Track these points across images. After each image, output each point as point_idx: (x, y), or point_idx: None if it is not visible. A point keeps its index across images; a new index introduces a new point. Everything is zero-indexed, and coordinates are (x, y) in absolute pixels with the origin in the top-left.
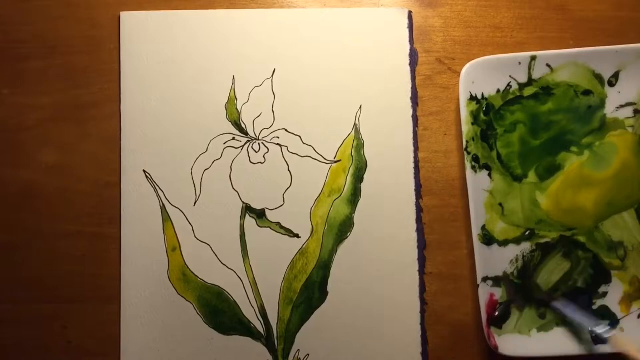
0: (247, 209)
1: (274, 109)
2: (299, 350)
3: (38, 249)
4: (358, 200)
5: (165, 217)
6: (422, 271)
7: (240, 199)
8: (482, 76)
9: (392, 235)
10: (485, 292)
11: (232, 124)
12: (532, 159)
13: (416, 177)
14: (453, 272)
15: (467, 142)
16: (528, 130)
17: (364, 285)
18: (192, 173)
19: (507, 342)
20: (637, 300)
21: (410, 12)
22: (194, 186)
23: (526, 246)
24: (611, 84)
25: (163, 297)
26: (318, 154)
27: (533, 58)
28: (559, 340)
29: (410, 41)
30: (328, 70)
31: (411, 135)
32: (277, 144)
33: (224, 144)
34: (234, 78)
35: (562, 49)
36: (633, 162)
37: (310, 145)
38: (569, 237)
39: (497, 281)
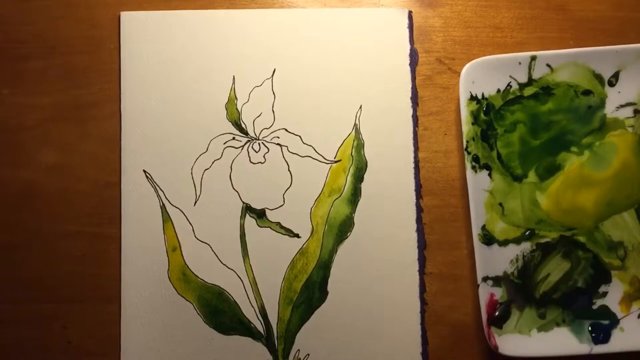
0: (247, 209)
1: (274, 109)
2: (299, 350)
3: (38, 249)
4: (358, 200)
5: (166, 217)
6: (422, 271)
7: (240, 198)
8: (482, 76)
9: (392, 235)
10: (485, 292)
11: (232, 124)
12: (532, 158)
13: (416, 177)
14: (453, 272)
15: (467, 142)
16: (528, 130)
17: (364, 285)
18: (192, 173)
19: (507, 342)
20: (637, 300)
21: (410, 12)
22: (194, 186)
23: (526, 246)
24: (611, 84)
25: (163, 297)
26: (318, 153)
27: (533, 58)
28: (559, 340)
29: (410, 41)
30: (328, 70)
31: (411, 135)
32: (277, 144)
33: (224, 143)
34: (234, 78)
35: (562, 49)
36: (633, 162)
37: (310, 145)
38: (569, 237)
39: (497, 281)
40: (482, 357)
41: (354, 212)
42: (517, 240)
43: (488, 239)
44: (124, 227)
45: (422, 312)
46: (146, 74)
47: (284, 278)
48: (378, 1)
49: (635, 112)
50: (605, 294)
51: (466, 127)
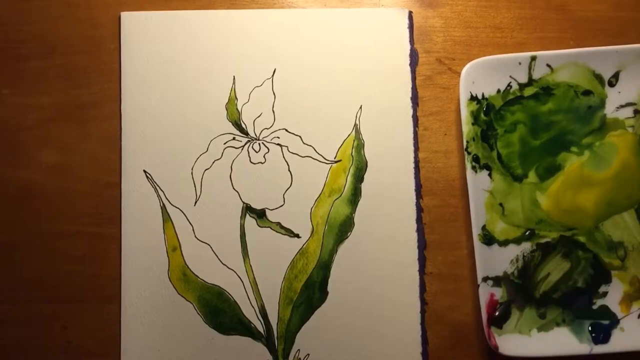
0: (248, 209)
1: (274, 109)
2: (299, 350)
3: (38, 249)
4: (358, 200)
5: (166, 217)
6: (422, 271)
7: (241, 199)
8: (482, 76)
9: (392, 235)
10: (485, 292)
11: (233, 124)
12: (532, 159)
13: (416, 177)
14: (453, 272)
15: (467, 142)
16: (528, 130)
17: (364, 285)
18: (192, 173)
19: (507, 342)
20: (637, 300)
21: (410, 12)
22: (194, 186)
23: (526, 246)
24: (611, 84)
25: (163, 297)
26: (318, 154)
27: (533, 58)
28: (559, 340)
29: (410, 41)
30: (328, 70)
31: (411, 135)
32: (278, 144)
33: (224, 144)
34: (234, 78)
35: (562, 49)
36: (633, 162)
37: (310, 145)
38: (569, 237)
39: (497, 281)
40: (482, 357)
41: (354, 212)
42: (517, 241)
43: (488, 239)
44: (124, 227)
45: (422, 312)
46: (146, 74)
47: (284, 278)
48: (378, 1)
49: (636, 112)
50: (605, 294)
51: (466, 127)
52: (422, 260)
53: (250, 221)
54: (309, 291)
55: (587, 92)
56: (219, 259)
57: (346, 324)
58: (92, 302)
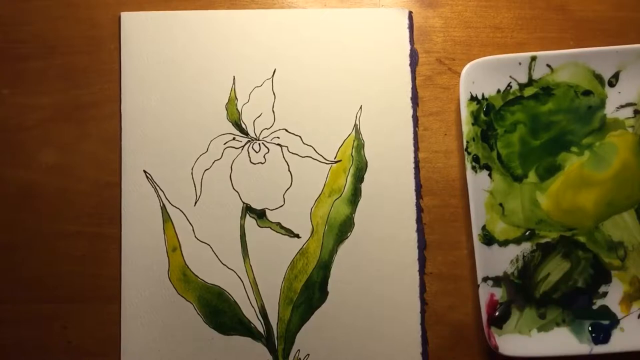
0: (248, 209)
1: (274, 109)
2: (299, 350)
3: (38, 249)
4: (358, 201)
5: (166, 217)
6: (422, 271)
7: (241, 199)
8: (482, 76)
9: (392, 235)
10: (485, 292)
11: (233, 124)
12: (532, 159)
13: (416, 177)
14: (453, 272)
15: (467, 142)
16: (528, 130)
17: (364, 285)
18: (192, 173)
19: (507, 342)
20: (637, 300)
21: (410, 13)
22: (194, 186)
23: (526, 246)
24: (611, 84)
25: (163, 297)
26: (318, 154)
27: (533, 58)
28: (559, 340)
29: (410, 41)
30: (328, 70)
31: (411, 136)
32: (278, 144)
33: (224, 144)
34: (234, 78)
35: (562, 49)
36: (633, 162)
37: (310, 146)
38: (569, 237)
39: (497, 281)
40: (482, 357)
41: (354, 213)
42: (517, 241)
43: (488, 239)
44: (124, 227)
45: (422, 312)
46: (146, 74)
47: (284, 278)
48: (378, 1)
49: (636, 112)
50: (605, 294)
51: (466, 127)
52: (422, 260)
53: (250, 221)
54: (309, 291)
55: (587, 92)
56: (219, 259)
57: (346, 324)
58: (92, 302)
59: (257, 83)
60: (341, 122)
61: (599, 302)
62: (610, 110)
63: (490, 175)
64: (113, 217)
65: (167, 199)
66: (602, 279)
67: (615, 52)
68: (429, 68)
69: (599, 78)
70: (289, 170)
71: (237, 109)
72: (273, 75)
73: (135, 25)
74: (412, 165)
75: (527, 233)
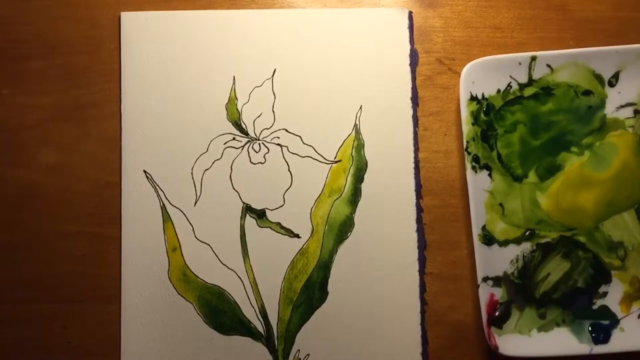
0: (248, 209)
1: (274, 109)
2: (299, 350)
3: (38, 249)
4: (358, 201)
5: (166, 217)
6: (422, 271)
7: (241, 199)
8: (482, 76)
9: (392, 235)
10: (485, 292)
11: (233, 124)
12: (532, 159)
13: (416, 177)
14: (453, 272)
15: (467, 142)
16: (528, 130)
17: (364, 285)
18: (192, 173)
19: (507, 342)
20: (637, 300)
21: (410, 13)
22: (194, 186)
23: (526, 246)
24: (611, 84)
25: (163, 297)
26: (318, 154)
27: (533, 58)
28: (559, 340)
29: (410, 41)
30: (328, 70)
31: (411, 136)
32: (278, 144)
33: (224, 144)
34: (234, 78)
35: (562, 49)
36: (633, 162)
37: (310, 146)
38: (569, 237)
39: (497, 281)
40: (482, 357)
41: (354, 213)
42: (517, 241)
43: (488, 239)
44: (124, 227)
45: (422, 312)
46: (146, 74)
47: (284, 278)
48: (378, 1)
49: (636, 112)
50: (605, 294)
51: (466, 127)
52: (422, 260)
53: (250, 221)
54: (309, 291)
55: (587, 92)
56: (219, 259)
57: (346, 324)
58: (92, 302)
59: (257, 83)
60: (341, 122)
61: (599, 302)
62: (610, 110)
63: (490, 175)
64: (113, 217)
65: (167, 199)
66: (602, 279)
67: (615, 52)
68: (429, 68)
69: (599, 78)
70: (289, 170)
71: (237, 108)
72: (273, 75)
73: (135, 25)
74: (412, 165)
75: (527, 233)
